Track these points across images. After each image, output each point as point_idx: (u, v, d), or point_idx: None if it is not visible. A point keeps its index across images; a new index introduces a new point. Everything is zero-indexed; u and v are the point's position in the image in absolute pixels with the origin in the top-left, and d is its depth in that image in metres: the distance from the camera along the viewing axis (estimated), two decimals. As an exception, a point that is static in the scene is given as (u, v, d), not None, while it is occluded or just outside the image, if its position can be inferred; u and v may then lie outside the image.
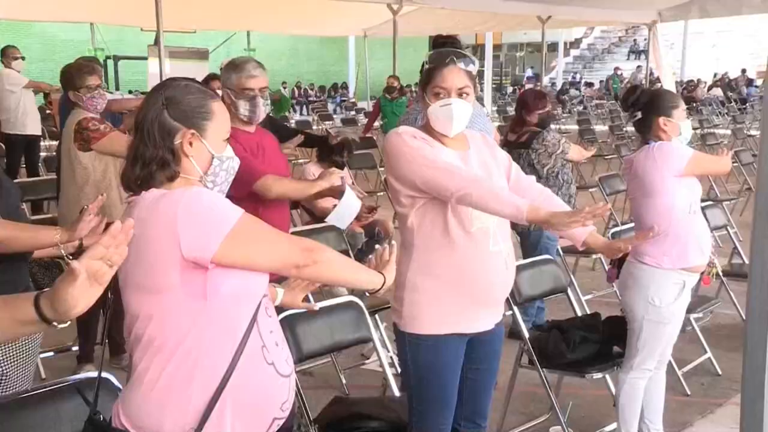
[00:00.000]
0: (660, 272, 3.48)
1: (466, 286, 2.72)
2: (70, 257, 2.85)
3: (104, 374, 2.17)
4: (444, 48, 2.83)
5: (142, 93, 25.15)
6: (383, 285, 2.15)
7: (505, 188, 2.74)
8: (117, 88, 23.39)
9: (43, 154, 9.86)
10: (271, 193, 3.40)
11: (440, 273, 2.72)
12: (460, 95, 2.71)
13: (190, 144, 1.98)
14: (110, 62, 23.21)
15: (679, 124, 3.51)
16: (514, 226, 5.08)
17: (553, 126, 5.76)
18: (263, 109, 3.52)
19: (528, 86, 29.92)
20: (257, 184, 3.35)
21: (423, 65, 3.08)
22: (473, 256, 2.71)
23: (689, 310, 4.35)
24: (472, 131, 2.92)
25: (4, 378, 2.71)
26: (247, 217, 1.91)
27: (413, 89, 31.01)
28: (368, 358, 4.89)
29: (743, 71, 32.20)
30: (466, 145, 2.81)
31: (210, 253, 1.84)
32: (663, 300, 3.48)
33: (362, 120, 18.35)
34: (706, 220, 3.77)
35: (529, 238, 5.22)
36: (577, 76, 40.07)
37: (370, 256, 2.21)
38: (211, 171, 2.01)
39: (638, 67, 33.68)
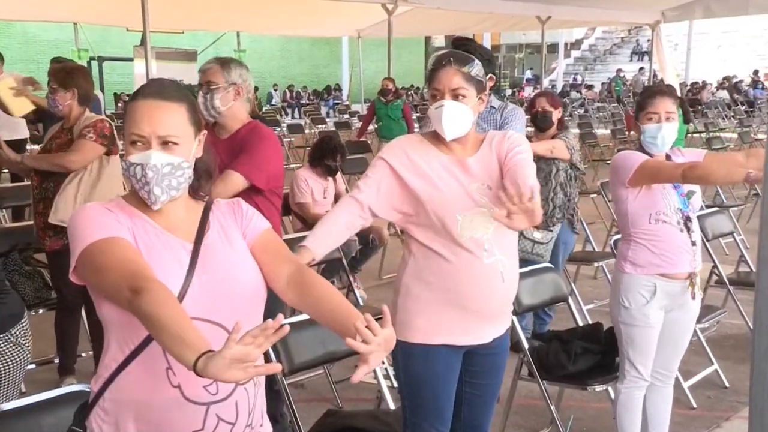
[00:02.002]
0: (628, 275, 3.57)
1: (456, 296, 2.73)
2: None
3: (87, 387, 2.16)
4: (457, 50, 2.83)
5: (128, 95, 25.15)
6: (195, 366, 1.59)
7: (350, 218, 2.81)
8: (102, 90, 23.40)
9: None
10: None
11: (432, 280, 2.74)
12: (455, 97, 2.71)
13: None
14: (95, 63, 23.17)
15: (642, 127, 3.53)
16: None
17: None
18: (205, 104, 3.49)
19: (527, 89, 30.01)
20: None
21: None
22: (465, 267, 2.71)
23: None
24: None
25: None
26: (101, 243, 1.86)
27: (408, 91, 31.10)
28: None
29: (755, 72, 32.24)
30: (473, 150, 2.79)
31: (72, 267, 1.91)
32: (632, 302, 3.54)
33: (356, 123, 18.34)
34: (701, 228, 3.77)
35: None
36: (578, 78, 40.19)
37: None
38: (125, 177, 1.99)
39: (641, 69, 33.81)
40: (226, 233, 2.05)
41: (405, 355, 2.81)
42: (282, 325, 1.59)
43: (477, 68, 2.75)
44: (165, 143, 1.93)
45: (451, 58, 2.74)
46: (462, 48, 2.92)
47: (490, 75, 3.84)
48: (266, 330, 1.55)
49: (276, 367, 1.63)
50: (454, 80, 2.71)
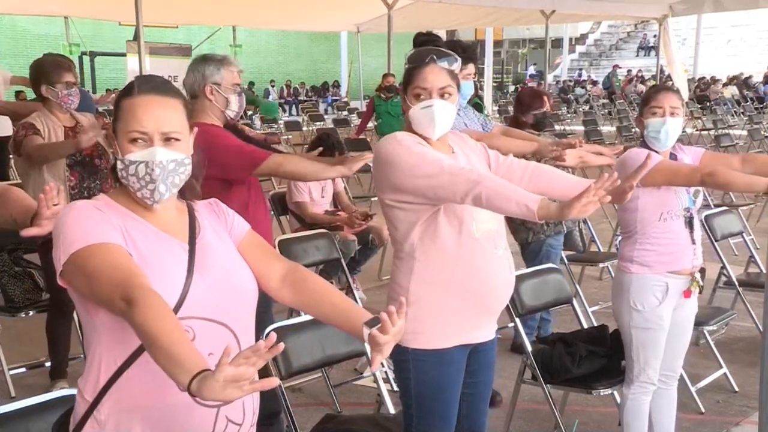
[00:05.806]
0: (636, 276, 3.54)
1: (472, 292, 2.74)
2: None
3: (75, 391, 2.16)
4: (425, 46, 2.84)
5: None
6: (189, 388, 1.57)
7: (509, 184, 2.62)
8: (93, 87, 23.39)
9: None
10: (283, 169, 3.52)
11: (445, 281, 2.73)
12: (442, 96, 2.71)
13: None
14: (86, 58, 23.18)
15: (645, 122, 3.53)
16: (515, 234, 5.10)
17: (556, 127, 5.72)
18: (240, 104, 3.66)
19: (530, 84, 29.99)
20: (263, 165, 3.43)
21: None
22: (480, 261, 2.73)
23: (701, 323, 4.37)
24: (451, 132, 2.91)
25: None
26: (92, 248, 1.83)
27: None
28: (362, 373, 4.89)
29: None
30: (451, 147, 2.82)
31: (59, 271, 1.88)
32: (645, 304, 3.52)
33: (355, 120, 18.36)
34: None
35: (530, 247, 5.20)
36: (583, 74, 40.14)
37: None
38: (121, 176, 1.95)
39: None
40: (218, 233, 2.06)
41: (418, 364, 2.79)
42: (275, 344, 1.59)
43: (457, 65, 2.80)
44: (167, 139, 1.93)
45: (434, 56, 2.75)
46: (431, 43, 2.94)
47: (470, 67, 3.92)
48: (258, 351, 1.53)
49: (273, 382, 1.60)
50: (441, 78, 2.72)
